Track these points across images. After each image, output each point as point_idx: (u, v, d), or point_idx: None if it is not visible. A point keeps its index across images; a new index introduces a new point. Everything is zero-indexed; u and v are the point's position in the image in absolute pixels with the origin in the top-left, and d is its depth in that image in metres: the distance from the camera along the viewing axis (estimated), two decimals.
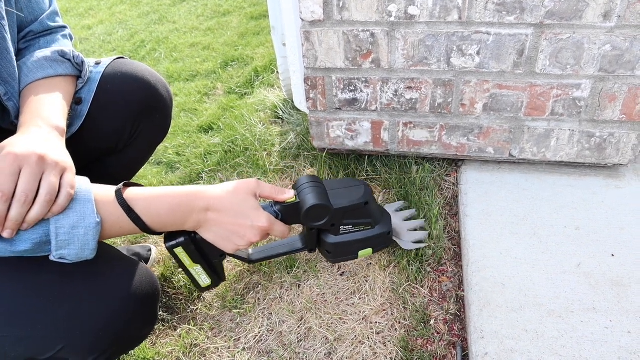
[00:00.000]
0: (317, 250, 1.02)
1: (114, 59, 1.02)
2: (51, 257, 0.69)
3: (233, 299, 1.16)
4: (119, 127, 1.01)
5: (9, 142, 0.70)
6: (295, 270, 1.20)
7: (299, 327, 1.08)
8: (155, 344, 1.10)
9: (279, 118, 1.82)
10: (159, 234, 0.81)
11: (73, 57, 0.92)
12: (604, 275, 1.02)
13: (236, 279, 1.21)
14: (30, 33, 0.92)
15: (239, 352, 1.05)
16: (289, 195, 0.89)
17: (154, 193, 0.78)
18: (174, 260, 0.90)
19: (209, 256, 0.88)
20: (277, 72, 1.96)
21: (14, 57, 0.84)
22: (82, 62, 0.94)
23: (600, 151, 1.25)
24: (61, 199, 0.68)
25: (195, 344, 1.08)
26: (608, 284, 1.00)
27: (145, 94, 1.02)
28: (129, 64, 1.02)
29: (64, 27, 0.99)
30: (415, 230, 1.23)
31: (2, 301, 0.71)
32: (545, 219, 1.17)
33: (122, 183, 0.76)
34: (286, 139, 1.66)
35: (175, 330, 1.12)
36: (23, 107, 0.81)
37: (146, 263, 1.28)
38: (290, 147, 1.61)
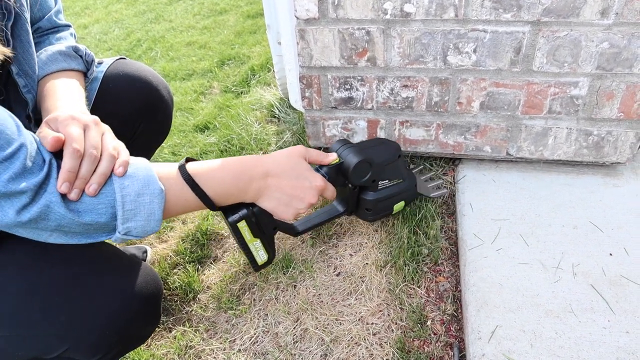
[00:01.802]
0: (355, 213, 1.08)
1: (116, 59, 1.03)
2: (115, 236, 0.68)
3: (228, 300, 1.15)
4: (120, 127, 1.01)
5: (59, 113, 0.72)
6: (291, 271, 1.19)
7: (294, 328, 1.07)
8: (150, 345, 1.09)
9: (275, 117, 1.81)
10: (219, 209, 0.81)
11: (85, 54, 0.93)
12: (602, 275, 1.01)
13: (231, 279, 1.20)
14: (38, 29, 0.94)
15: (234, 353, 1.04)
16: (332, 157, 0.94)
17: (215, 165, 0.78)
18: (233, 237, 0.91)
19: (264, 229, 0.88)
20: (273, 70, 1.95)
21: (35, 51, 0.85)
22: (92, 60, 0.96)
23: (598, 149, 1.24)
24: (123, 157, 0.71)
25: (190, 345, 1.07)
26: (606, 284, 0.99)
27: (146, 94, 1.03)
28: (131, 65, 1.03)
29: (69, 25, 1.01)
30: (432, 180, 1.33)
31: (8, 301, 0.71)
32: (543, 217, 1.16)
33: (184, 158, 0.77)
34: (282, 138, 1.65)
35: (170, 331, 1.11)
36: (44, 96, 0.83)
37: (144, 261, 1.27)
38: (286, 146, 1.60)
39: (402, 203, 1.12)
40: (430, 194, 1.26)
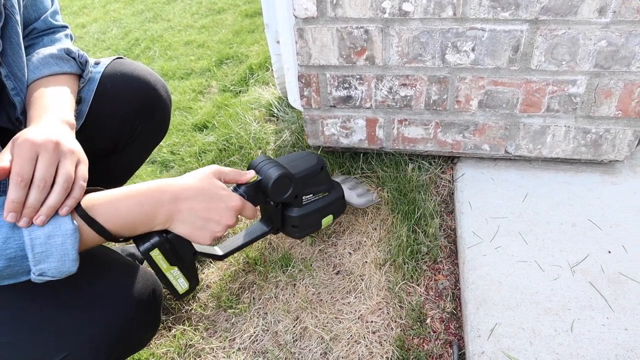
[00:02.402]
0: (282, 230, 1.03)
1: (113, 59, 1.02)
2: (32, 277, 0.65)
3: (228, 299, 1.15)
4: (119, 127, 1.01)
5: (24, 132, 0.69)
6: (291, 270, 1.19)
7: (294, 326, 1.07)
8: (149, 345, 1.09)
9: (273, 116, 1.81)
10: (129, 239, 0.76)
11: (78, 55, 0.92)
12: (601, 273, 1.01)
13: (231, 278, 1.20)
14: (34, 31, 0.93)
15: (234, 352, 1.04)
16: (250, 175, 0.89)
17: (116, 194, 0.73)
18: (149, 265, 0.84)
19: (182, 256, 0.83)
20: (272, 69, 1.94)
21: (24, 54, 0.84)
22: (86, 61, 0.94)
23: (596, 147, 1.24)
24: (76, 191, 0.68)
25: (190, 344, 1.07)
26: (605, 281, 1.00)
27: (144, 94, 1.02)
28: (128, 64, 1.02)
29: (65, 26, 1.00)
30: (362, 192, 1.29)
31: (6, 308, 0.70)
32: (542, 215, 1.16)
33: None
34: (281, 137, 1.65)
35: (170, 330, 1.11)
36: (31, 103, 0.81)
37: (141, 263, 1.27)
38: (285, 145, 1.60)
39: (330, 217, 1.07)
40: (359, 204, 1.22)
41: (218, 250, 0.98)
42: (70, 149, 0.70)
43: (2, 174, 0.64)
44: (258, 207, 0.93)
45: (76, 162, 0.71)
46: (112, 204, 0.72)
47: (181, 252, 0.82)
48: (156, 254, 0.78)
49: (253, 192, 0.89)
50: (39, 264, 0.64)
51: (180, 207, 0.77)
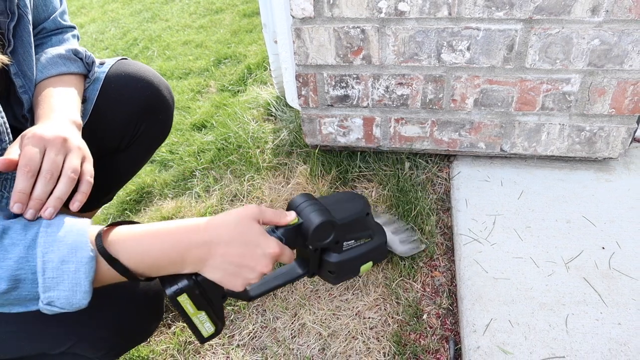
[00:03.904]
0: (317, 274, 0.95)
1: (118, 60, 1.03)
2: (40, 306, 0.62)
3: None
4: (122, 127, 1.02)
5: (33, 128, 0.71)
6: None
7: (292, 323, 1.09)
8: (149, 342, 1.10)
9: (271, 115, 1.82)
10: (153, 279, 0.71)
11: (85, 56, 0.93)
12: (595, 268, 1.03)
13: None
14: (43, 30, 0.94)
15: (233, 349, 1.06)
16: (291, 217, 0.82)
17: (143, 231, 0.68)
18: (174, 309, 0.80)
19: (211, 299, 0.77)
20: (270, 69, 1.96)
21: (34, 52, 0.85)
22: (93, 62, 0.96)
23: (591, 145, 1.26)
24: (83, 186, 0.69)
25: (189, 341, 1.08)
26: (599, 277, 1.01)
27: (147, 94, 1.03)
28: (132, 65, 1.04)
29: (73, 27, 1.01)
30: (405, 237, 1.22)
31: None
32: (537, 212, 1.18)
33: (107, 224, 0.67)
34: (279, 136, 1.66)
35: (170, 327, 1.13)
36: (39, 102, 0.82)
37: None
38: (283, 144, 1.61)
39: (369, 263, 0.98)
40: (402, 252, 1.18)
41: (249, 292, 0.91)
42: (77, 145, 0.72)
43: (10, 165, 0.65)
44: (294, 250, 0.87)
45: (82, 158, 0.72)
46: (137, 242, 0.66)
47: (210, 295, 0.76)
48: (184, 299, 0.72)
49: (292, 236, 0.82)
50: (48, 290, 0.60)
51: (213, 252, 0.70)
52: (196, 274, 0.72)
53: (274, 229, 0.81)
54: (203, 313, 0.76)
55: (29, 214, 0.63)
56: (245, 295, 0.88)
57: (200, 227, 0.70)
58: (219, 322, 0.80)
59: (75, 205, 0.67)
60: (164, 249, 0.67)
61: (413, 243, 1.22)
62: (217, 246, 0.69)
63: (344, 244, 0.91)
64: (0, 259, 0.58)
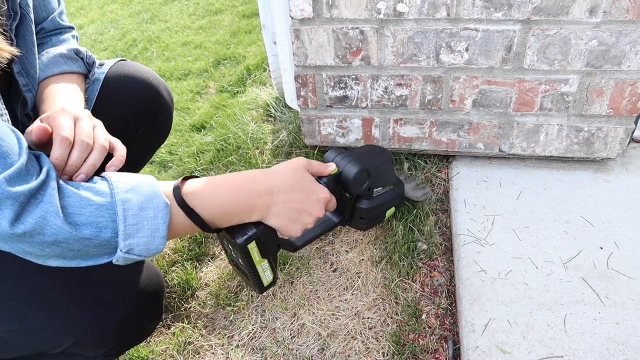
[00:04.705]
0: (349, 223, 1.05)
1: (117, 61, 1.04)
2: (116, 256, 0.64)
3: (226, 297, 1.16)
4: (121, 128, 1.03)
5: (59, 107, 0.73)
6: (288, 267, 1.20)
7: (292, 323, 1.09)
8: (149, 342, 1.10)
9: (270, 116, 1.83)
10: (220, 231, 0.76)
11: (86, 56, 0.94)
12: (593, 268, 1.03)
13: (229, 276, 1.21)
14: (42, 30, 0.95)
15: (232, 349, 1.06)
16: (332, 167, 0.91)
17: (215, 182, 0.73)
18: (234, 260, 0.83)
19: (269, 248, 0.83)
20: (269, 70, 1.96)
21: (37, 51, 0.86)
22: (93, 62, 0.97)
23: (589, 145, 1.26)
24: (119, 152, 0.72)
25: (189, 341, 1.09)
26: (597, 277, 1.01)
27: (147, 95, 1.04)
28: (132, 66, 1.04)
29: (72, 27, 1.02)
30: (414, 185, 1.34)
31: (14, 297, 0.72)
32: (535, 213, 1.18)
33: (181, 177, 0.72)
34: (278, 136, 1.66)
35: (169, 328, 1.13)
36: (43, 99, 0.83)
37: None
38: (282, 144, 1.62)
39: (392, 209, 1.11)
40: (417, 198, 1.28)
41: (295, 241, 0.99)
42: (99, 121, 0.76)
43: (45, 134, 0.67)
44: None
45: (106, 132, 0.75)
46: (211, 193, 0.71)
47: (270, 244, 0.82)
48: (252, 247, 0.77)
49: (332, 185, 0.91)
50: (128, 238, 0.62)
51: (276, 199, 0.76)
52: (258, 223, 0.77)
53: (317, 180, 0.88)
54: (266, 261, 0.82)
55: (65, 177, 0.66)
56: (292, 246, 0.97)
57: (262, 176, 0.76)
58: (275, 270, 0.86)
59: (111, 168, 0.70)
60: (234, 198, 0.72)
61: (423, 189, 1.32)
62: (279, 193, 0.75)
63: (375, 190, 1.03)
64: (83, 205, 0.60)
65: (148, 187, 0.65)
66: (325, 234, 1.05)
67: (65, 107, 0.73)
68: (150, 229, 0.64)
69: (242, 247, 0.76)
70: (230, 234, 0.75)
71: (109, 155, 0.74)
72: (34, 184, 0.58)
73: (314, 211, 0.80)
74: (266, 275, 0.85)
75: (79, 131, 0.70)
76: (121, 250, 0.63)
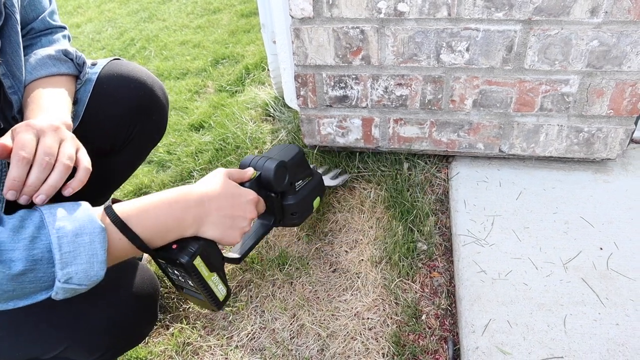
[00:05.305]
0: (282, 223, 1.08)
1: (110, 60, 1.02)
2: (55, 288, 0.61)
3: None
4: (115, 128, 1.01)
5: (24, 121, 0.70)
6: (288, 268, 1.20)
7: (291, 324, 1.08)
8: (147, 343, 1.10)
9: (269, 116, 1.82)
10: (155, 251, 0.74)
11: (76, 57, 0.92)
12: (593, 269, 1.03)
13: (228, 277, 1.21)
14: (32, 31, 0.93)
15: (231, 350, 1.05)
16: (250, 171, 0.94)
17: (145, 202, 0.71)
18: (188, 281, 0.80)
19: (214, 262, 0.81)
20: (268, 69, 1.95)
21: (23, 53, 0.84)
22: (84, 63, 0.95)
23: (589, 146, 1.26)
24: (80, 173, 0.69)
25: (188, 342, 1.08)
26: (597, 277, 1.01)
27: (141, 95, 1.02)
28: (125, 65, 1.02)
29: (64, 27, 1.00)
30: (334, 174, 1.39)
31: None
32: (535, 213, 1.18)
33: (109, 200, 0.72)
34: (277, 136, 1.66)
35: (168, 329, 1.12)
36: (28, 103, 0.81)
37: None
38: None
39: (318, 199, 1.16)
40: (338, 183, 1.35)
41: (235, 254, 1.00)
42: (70, 134, 0.72)
43: (4, 152, 0.64)
44: None
45: (76, 147, 0.72)
46: (143, 212, 0.70)
47: (214, 258, 0.81)
48: (198, 262, 0.76)
49: (256, 188, 0.93)
50: (66, 266, 0.60)
51: (207, 209, 0.76)
52: (197, 238, 0.77)
53: (241, 185, 0.90)
54: (215, 274, 0.82)
55: (22, 200, 0.64)
56: (233, 258, 0.99)
57: (190, 189, 0.77)
58: (227, 284, 0.86)
59: (67, 190, 0.67)
60: (167, 213, 0.72)
61: (342, 175, 1.39)
62: (210, 202, 0.77)
63: (296, 185, 1.08)
64: (15, 240, 0.57)
65: (81, 212, 0.63)
66: (262, 238, 1.06)
67: (31, 120, 0.69)
68: (88, 255, 0.62)
69: (189, 265, 0.74)
70: (173, 256, 0.74)
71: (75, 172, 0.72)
72: None
73: (246, 213, 0.82)
74: (219, 289, 0.84)
75: (40, 149, 0.66)
76: (59, 281, 0.60)
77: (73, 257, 0.60)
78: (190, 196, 0.75)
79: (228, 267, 1.23)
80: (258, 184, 0.95)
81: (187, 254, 0.74)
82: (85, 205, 0.65)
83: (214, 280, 0.81)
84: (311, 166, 1.21)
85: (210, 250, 0.79)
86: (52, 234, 0.59)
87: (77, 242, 0.61)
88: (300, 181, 1.10)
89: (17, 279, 0.57)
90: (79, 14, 3.83)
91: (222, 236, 0.79)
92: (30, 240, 0.58)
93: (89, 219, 0.63)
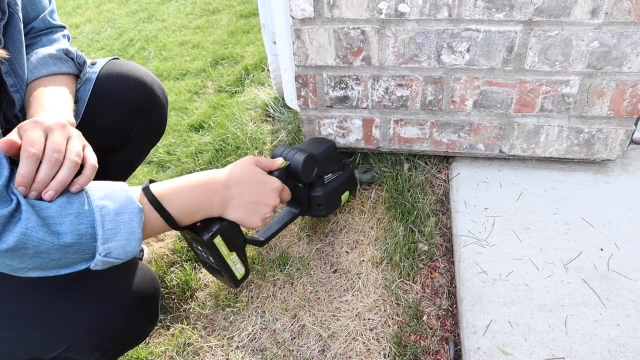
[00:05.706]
0: (308, 212, 1.12)
1: (110, 60, 1.02)
2: (95, 261, 0.67)
3: (226, 298, 1.16)
4: (115, 128, 1.02)
5: (31, 119, 0.71)
6: (288, 268, 1.20)
7: (292, 324, 1.08)
8: (148, 343, 1.09)
9: (269, 116, 1.82)
10: (184, 228, 0.81)
11: (76, 56, 0.93)
12: (594, 270, 1.03)
13: None
14: (32, 30, 0.93)
15: (232, 350, 1.05)
16: (280, 161, 0.99)
17: (177, 184, 0.79)
18: (203, 258, 0.90)
19: (235, 243, 0.89)
20: (268, 70, 1.96)
21: (25, 51, 0.85)
22: (84, 62, 0.95)
23: (589, 147, 1.26)
24: (88, 170, 0.70)
25: (188, 343, 1.08)
26: (598, 278, 1.01)
27: (140, 94, 1.02)
28: (125, 65, 1.03)
29: (63, 26, 1.00)
30: (364, 169, 1.42)
31: (7, 303, 0.71)
32: (536, 214, 1.18)
33: (147, 180, 0.77)
34: (277, 137, 1.66)
35: (169, 329, 1.12)
36: (30, 102, 0.82)
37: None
38: (282, 145, 1.61)
39: (347, 193, 1.19)
40: (367, 180, 1.37)
41: (259, 237, 1.05)
42: (77, 131, 0.74)
43: (12, 148, 0.64)
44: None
45: (83, 144, 0.73)
46: (175, 193, 0.77)
47: (235, 238, 0.88)
48: (219, 241, 0.84)
49: (284, 177, 0.97)
50: (107, 242, 0.66)
51: (232, 193, 0.83)
52: (221, 219, 0.84)
53: (269, 174, 0.95)
54: (234, 254, 0.89)
55: (31, 196, 0.65)
56: (258, 240, 1.04)
57: (219, 174, 0.84)
58: (246, 264, 0.93)
59: (75, 187, 0.68)
60: (196, 195, 0.79)
61: (370, 172, 1.40)
62: (235, 187, 0.84)
63: (325, 177, 1.11)
64: (62, 214, 0.63)
65: (121, 193, 0.70)
66: (287, 224, 1.11)
67: (39, 118, 0.70)
68: (127, 232, 0.68)
69: (209, 243, 0.83)
70: (197, 233, 0.83)
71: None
72: (8, 207, 0.60)
73: (270, 200, 0.88)
74: (238, 268, 0.91)
75: (49, 146, 0.67)
76: (100, 254, 0.66)
77: (114, 234, 0.67)
78: (218, 180, 0.83)
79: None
80: (287, 174, 0.99)
81: (209, 232, 0.82)
82: (124, 185, 0.71)
83: (232, 259, 0.89)
84: (344, 161, 1.25)
85: (231, 232, 0.86)
86: (96, 211, 0.65)
87: (117, 220, 0.67)
88: (330, 174, 1.13)
89: (64, 249, 0.63)
90: (78, 15, 3.83)
91: (244, 219, 0.86)
92: (76, 215, 0.64)
93: (129, 199, 0.69)
